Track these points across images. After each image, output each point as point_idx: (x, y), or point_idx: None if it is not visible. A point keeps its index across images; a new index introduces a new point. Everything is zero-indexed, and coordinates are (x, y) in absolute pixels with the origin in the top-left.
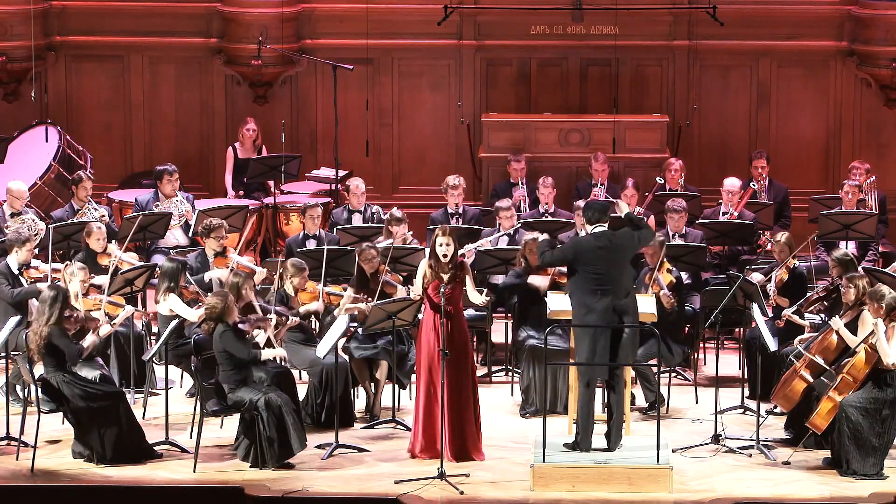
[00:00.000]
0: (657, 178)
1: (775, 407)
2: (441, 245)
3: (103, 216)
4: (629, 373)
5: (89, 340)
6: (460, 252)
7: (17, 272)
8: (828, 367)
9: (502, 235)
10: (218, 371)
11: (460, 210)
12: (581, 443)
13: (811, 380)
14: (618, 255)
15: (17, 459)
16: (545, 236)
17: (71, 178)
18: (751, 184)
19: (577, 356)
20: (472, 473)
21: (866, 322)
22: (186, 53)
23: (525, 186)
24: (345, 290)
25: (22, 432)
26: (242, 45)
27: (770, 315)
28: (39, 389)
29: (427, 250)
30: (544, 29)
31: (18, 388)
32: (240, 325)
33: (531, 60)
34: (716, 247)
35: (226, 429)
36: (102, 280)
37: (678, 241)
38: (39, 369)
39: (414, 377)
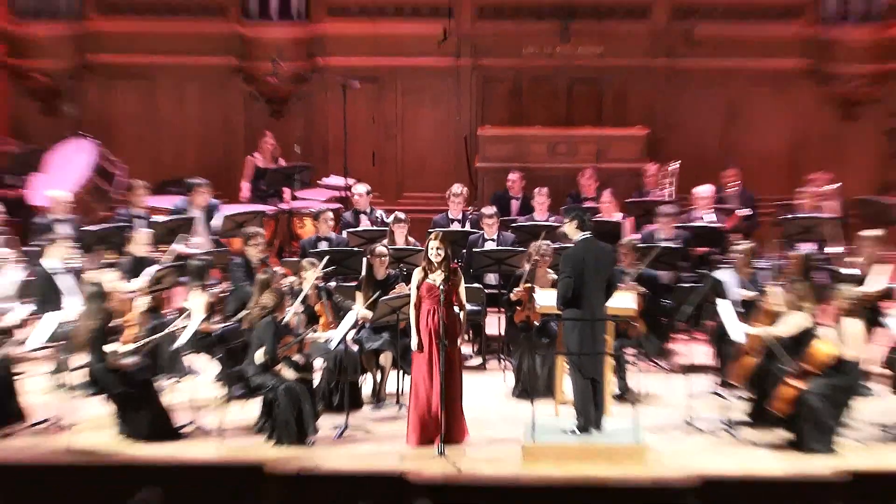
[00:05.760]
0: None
1: (744, 392)
2: (433, 249)
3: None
4: (609, 362)
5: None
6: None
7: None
8: (777, 349)
9: (489, 240)
10: (246, 357)
11: (459, 216)
12: (586, 425)
13: (759, 358)
14: (599, 261)
15: (60, 439)
16: (546, 244)
17: (128, 185)
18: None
19: (567, 348)
20: (468, 452)
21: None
22: (209, 73)
23: (517, 199)
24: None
25: (65, 416)
26: (260, 64)
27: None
28: (86, 376)
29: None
30: (535, 49)
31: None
32: (282, 323)
33: (523, 78)
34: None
35: (248, 412)
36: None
37: (665, 244)
38: (81, 359)
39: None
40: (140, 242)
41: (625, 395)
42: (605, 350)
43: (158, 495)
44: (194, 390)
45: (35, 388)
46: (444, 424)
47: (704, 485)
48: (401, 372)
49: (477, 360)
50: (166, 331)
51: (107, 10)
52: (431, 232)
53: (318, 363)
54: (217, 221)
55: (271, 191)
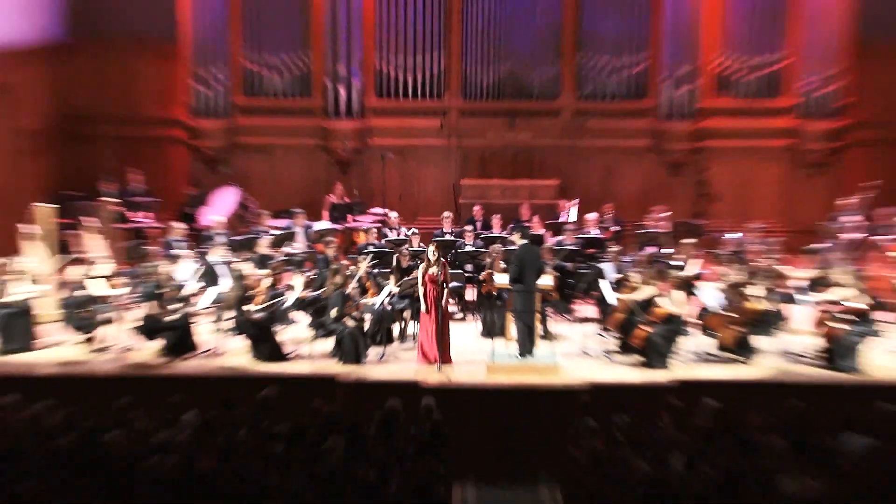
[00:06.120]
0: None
1: (615, 334)
2: (431, 252)
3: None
4: (538, 316)
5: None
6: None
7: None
8: (635, 308)
9: (467, 245)
10: (325, 313)
11: (449, 231)
12: (524, 353)
13: (624, 314)
14: (534, 256)
15: (217, 361)
16: (500, 246)
17: (257, 213)
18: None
19: (514, 307)
20: (454, 369)
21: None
22: (304, 148)
23: (481, 221)
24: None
25: (220, 347)
26: (335, 143)
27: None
28: (233, 324)
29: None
30: (493, 134)
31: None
32: (347, 293)
33: (486, 151)
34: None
35: (326, 345)
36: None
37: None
38: (229, 314)
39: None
40: (264, 246)
41: (546, 335)
42: (535, 309)
43: (275, 392)
44: (295, 333)
45: (203, 331)
46: (439, 353)
47: (592, 387)
48: (415, 322)
49: (460, 315)
50: (279, 298)
51: (246, 112)
52: (431, 242)
53: (368, 317)
54: (309, 234)
55: (340, 216)
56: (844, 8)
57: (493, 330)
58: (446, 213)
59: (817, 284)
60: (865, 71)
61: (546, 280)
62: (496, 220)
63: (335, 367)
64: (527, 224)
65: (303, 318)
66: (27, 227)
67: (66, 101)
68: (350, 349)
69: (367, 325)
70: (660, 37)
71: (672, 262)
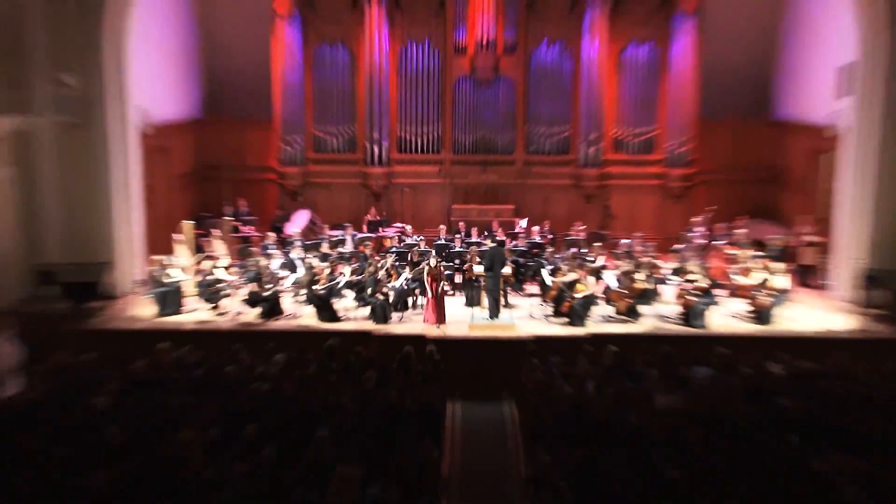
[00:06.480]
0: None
1: (551, 304)
2: (432, 261)
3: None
4: (501, 292)
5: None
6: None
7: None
8: (563, 288)
9: (457, 248)
10: (364, 291)
11: (444, 239)
12: (492, 316)
13: (556, 291)
14: (499, 254)
15: (295, 321)
16: (476, 248)
17: (321, 226)
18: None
19: (486, 286)
20: (447, 327)
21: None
22: (351, 185)
23: (465, 231)
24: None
25: (297, 312)
26: (372, 182)
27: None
28: (305, 298)
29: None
30: (472, 176)
31: (298, 297)
32: (379, 277)
33: (468, 187)
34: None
35: (364, 311)
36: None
37: (521, 249)
38: (303, 292)
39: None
40: (325, 247)
41: (507, 305)
42: (500, 287)
43: (333, 342)
44: (345, 303)
45: (286, 302)
46: (437, 317)
47: (536, 339)
48: (422, 297)
49: (452, 293)
50: (335, 281)
51: (314, 162)
52: (433, 246)
53: (392, 293)
54: (354, 239)
55: (374, 229)
56: (690, 98)
57: (472, 301)
58: (442, 226)
59: (678, 272)
60: (703, 138)
61: (507, 269)
62: (475, 231)
63: (370, 326)
64: (495, 233)
65: (350, 294)
66: (177, 236)
67: (202, 156)
68: (380, 314)
69: (391, 298)
70: (578, 115)
71: (587, 258)
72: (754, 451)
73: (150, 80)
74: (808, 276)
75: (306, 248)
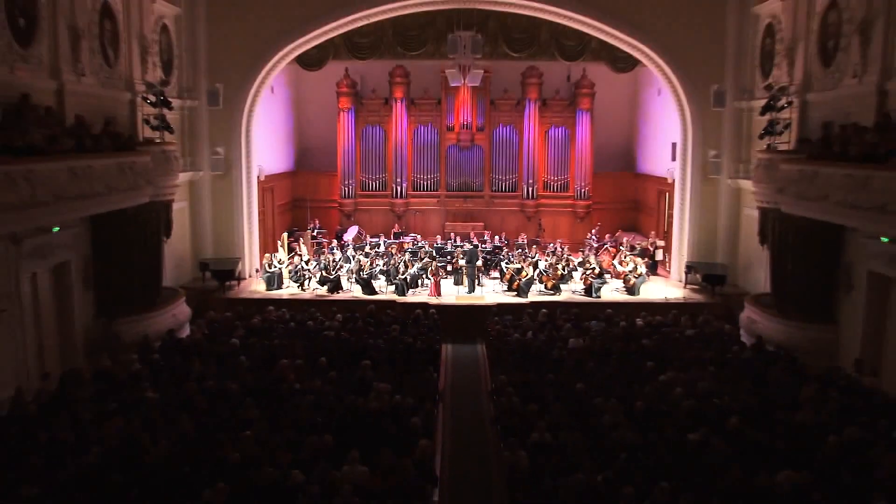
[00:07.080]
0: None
1: (507, 283)
2: (433, 263)
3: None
4: (477, 277)
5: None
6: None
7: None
8: (514, 273)
9: (449, 248)
10: (390, 275)
11: (440, 243)
12: (470, 291)
13: (509, 275)
14: (475, 252)
15: (349, 293)
16: (461, 249)
17: (365, 236)
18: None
19: (467, 273)
20: (443, 298)
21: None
22: (384, 212)
23: (453, 238)
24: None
25: (349, 288)
26: (397, 209)
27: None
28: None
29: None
30: (458, 204)
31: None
32: (400, 267)
33: (456, 211)
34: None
35: (390, 288)
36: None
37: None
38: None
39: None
40: (368, 248)
41: (479, 284)
42: (475, 273)
43: (375, 307)
44: (380, 284)
45: (344, 282)
46: (436, 291)
47: (497, 305)
48: (428, 280)
49: (445, 277)
50: (374, 268)
51: (361, 196)
52: (433, 248)
53: (408, 277)
54: (385, 243)
55: (397, 237)
56: (588, 159)
57: (458, 282)
58: (439, 236)
59: (582, 263)
60: (596, 183)
61: (479, 262)
62: (459, 238)
63: (395, 297)
64: (472, 240)
65: (382, 278)
66: (279, 242)
67: (294, 193)
68: (401, 289)
69: (408, 280)
70: (522, 168)
71: (528, 255)
72: (625, 372)
73: (264, 147)
74: (657, 266)
75: (356, 249)
